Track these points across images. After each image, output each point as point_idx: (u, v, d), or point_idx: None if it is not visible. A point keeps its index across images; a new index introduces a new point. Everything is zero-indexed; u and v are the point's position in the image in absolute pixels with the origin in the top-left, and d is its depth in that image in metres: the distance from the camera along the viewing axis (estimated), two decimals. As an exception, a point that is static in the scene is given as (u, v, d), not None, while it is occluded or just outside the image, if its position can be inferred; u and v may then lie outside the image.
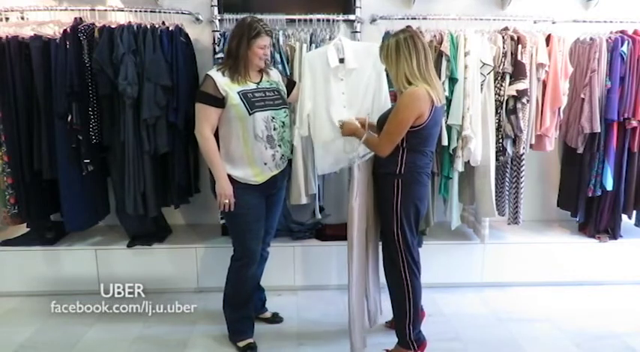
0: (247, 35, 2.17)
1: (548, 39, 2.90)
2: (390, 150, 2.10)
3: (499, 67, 2.83)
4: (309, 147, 2.85)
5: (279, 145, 2.28)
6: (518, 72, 2.80)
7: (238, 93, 2.17)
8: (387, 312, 2.50)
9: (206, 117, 2.17)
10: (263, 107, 2.21)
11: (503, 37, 2.83)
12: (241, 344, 2.42)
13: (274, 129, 2.24)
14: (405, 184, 2.12)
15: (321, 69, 2.53)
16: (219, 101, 2.16)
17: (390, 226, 2.17)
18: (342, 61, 2.53)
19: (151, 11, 2.87)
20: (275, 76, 2.41)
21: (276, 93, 2.31)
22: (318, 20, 2.95)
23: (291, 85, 2.52)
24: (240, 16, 2.68)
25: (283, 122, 2.29)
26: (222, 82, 2.17)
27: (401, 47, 2.05)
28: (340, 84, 2.53)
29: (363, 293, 2.38)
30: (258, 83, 2.27)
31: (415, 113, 2.00)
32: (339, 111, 2.53)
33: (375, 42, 2.94)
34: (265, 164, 2.25)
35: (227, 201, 2.21)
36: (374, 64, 2.52)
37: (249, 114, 2.16)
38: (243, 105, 2.16)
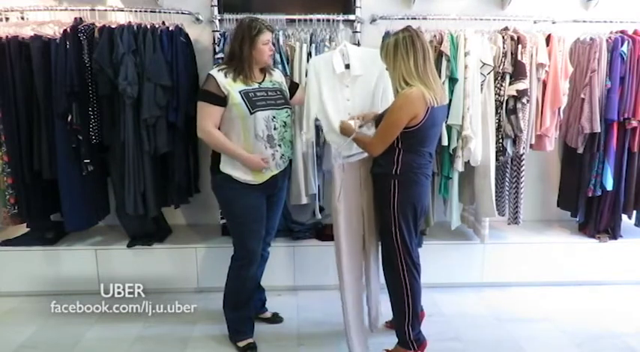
0: (249, 34, 2.18)
1: (548, 39, 2.89)
2: (382, 149, 2.10)
3: (499, 67, 2.83)
4: (309, 147, 2.85)
5: (280, 145, 2.28)
6: (518, 72, 2.80)
7: (240, 92, 2.17)
8: (387, 312, 2.50)
9: (208, 115, 2.18)
10: (264, 106, 2.21)
11: (503, 37, 2.83)
12: (241, 344, 2.42)
13: (275, 128, 2.24)
14: (402, 184, 2.11)
15: (326, 75, 2.51)
16: (220, 100, 2.17)
17: (388, 227, 2.17)
18: (347, 67, 2.53)
19: (151, 11, 2.87)
20: (278, 76, 2.41)
21: (278, 93, 2.31)
22: (318, 20, 2.95)
23: (294, 87, 2.51)
24: (240, 16, 2.68)
25: (284, 122, 2.29)
26: (225, 81, 2.18)
27: (399, 46, 2.04)
28: (345, 90, 2.51)
29: (359, 295, 2.37)
30: (260, 83, 2.28)
31: (408, 115, 2.00)
32: (343, 117, 2.51)
33: (376, 42, 2.96)
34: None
35: (263, 162, 2.20)
36: (379, 70, 2.51)
37: (250, 113, 2.16)
38: (245, 104, 2.16)
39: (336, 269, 2.28)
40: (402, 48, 2.04)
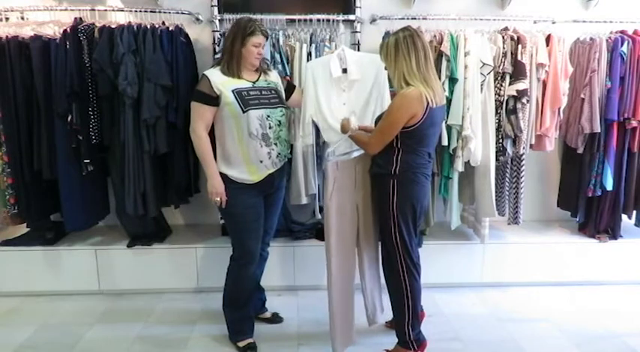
0: (242, 33, 2.19)
1: (548, 39, 2.89)
2: (379, 149, 2.11)
3: (499, 67, 2.83)
4: (309, 147, 2.85)
5: (275, 144, 2.28)
6: (518, 72, 2.80)
7: (232, 91, 2.18)
8: (387, 312, 2.50)
9: (200, 116, 2.19)
10: (257, 105, 2.21)
11: (503, 37, 2.83)
12: (241, 344, 2.42)
13: (270, 127, 2.24)
14: (401, 184, 2.11)
15: (323, 79, 2.50)
16: (213, 100, 2.18)
17: (388, 227, 2.17)
18: (344, 71, 2.52)
19: (151, 11, 2.87)
20: (274, 77, 2.41)
21: (272, 92, 2.32)
22: (318, 20, 2.95)
23: (290, 88, 2.52)
24: (240, 17, 2.68)
25: (279, 121, 2.29)
26: (218, 81, 2.19)
27: (400, 46, 2.04)
28: (342, 95, 2.51)
29: (347, 294, 2.36)
30: (254, 82, 2.28)
31: (407, 114, 2.00)
32: (338, 120, 2.51)
33: (376, 42, 2.96)
34: (261, 162, 2.25)
35: (218, 198, 2.22)
36: (376, 74, 2.50)
37: (243, 112, 2.17)
38: (237, 103, 2.17)
39: (326, 266, 2.27)
40: (404, 47, 2.03)
